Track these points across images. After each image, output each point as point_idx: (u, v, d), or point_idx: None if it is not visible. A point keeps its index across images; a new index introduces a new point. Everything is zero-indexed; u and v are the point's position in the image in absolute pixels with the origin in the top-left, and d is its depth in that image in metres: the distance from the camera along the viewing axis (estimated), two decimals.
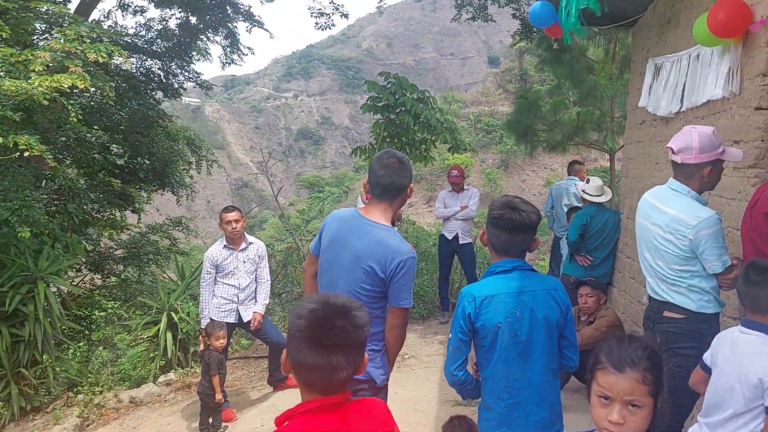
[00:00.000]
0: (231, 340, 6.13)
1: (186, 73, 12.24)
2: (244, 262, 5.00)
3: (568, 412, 4.28)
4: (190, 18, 12.03)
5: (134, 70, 11.36)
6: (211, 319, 4.83)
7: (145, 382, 6.06)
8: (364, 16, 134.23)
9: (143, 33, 12.07)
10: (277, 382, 5.43)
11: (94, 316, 8.25)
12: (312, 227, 12.29)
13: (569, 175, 7.56)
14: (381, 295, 2.65)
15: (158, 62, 11.92)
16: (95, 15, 11.38)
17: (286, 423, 1.53)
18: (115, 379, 6.74)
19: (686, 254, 2.75)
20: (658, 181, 3.09)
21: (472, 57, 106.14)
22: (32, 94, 5.67)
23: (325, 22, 13.19)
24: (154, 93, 11.57)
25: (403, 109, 8.01)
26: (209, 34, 12.33)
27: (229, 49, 12.79)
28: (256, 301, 5.11)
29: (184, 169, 11.71)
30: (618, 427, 1.45)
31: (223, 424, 4.78)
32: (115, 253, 10.53)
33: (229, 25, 12.45)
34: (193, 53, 12.13)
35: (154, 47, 11.88)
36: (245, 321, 5.02)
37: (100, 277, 10.08)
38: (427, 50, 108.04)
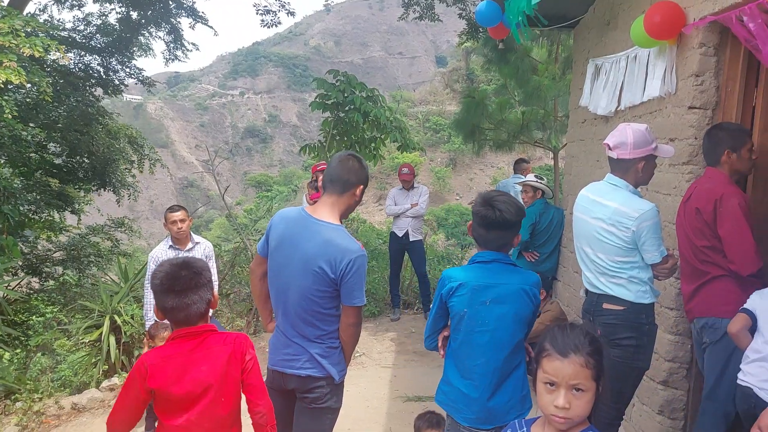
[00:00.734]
0: None
1: (127, 69, 11.90)
2: None
3: None
4: (131, 13, 11.69)
5: (72, 66, 10.95)
6: (156, 320, 4.71)
7: (87, 388, 5.86)
8: (311, 13, 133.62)
9: (82, 28, 11.65)
10: None
11: (31, 322, 7.92)
12: (260, 226, 12.13)
13: (515, 173, 7.73)
14: (334, 294, 2.64)
15: (98, 58, 11.54)
16: (30, 8, 10.95)
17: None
18: (56, 385, 6.49)
19: (628, 245, 2.85)
20: (599, 178, 3.19)
21: (420, 56, 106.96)
22: None
23: (271, 20, 13.06)
24: (93, 89, 11.20)
25: (352, 107, 8.00)
26: (151, 30, 12.01)
27: (172, 45, 12.51)
28: None
29: (126, 168, 11.39)
30: (564, 412, 1.50)
31: None
32: (54, 255, 10.14)
33: (172, 20, 12.16)
34: (135, 49, 11.79)
35: (93, 42, 11.49)
36: None
37: (37, 280, 9.69)
38: (375, 49, 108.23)
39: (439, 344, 2.59)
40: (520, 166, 7.69)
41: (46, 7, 12.26)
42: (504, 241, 2.45)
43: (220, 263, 9.09)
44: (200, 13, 12.36)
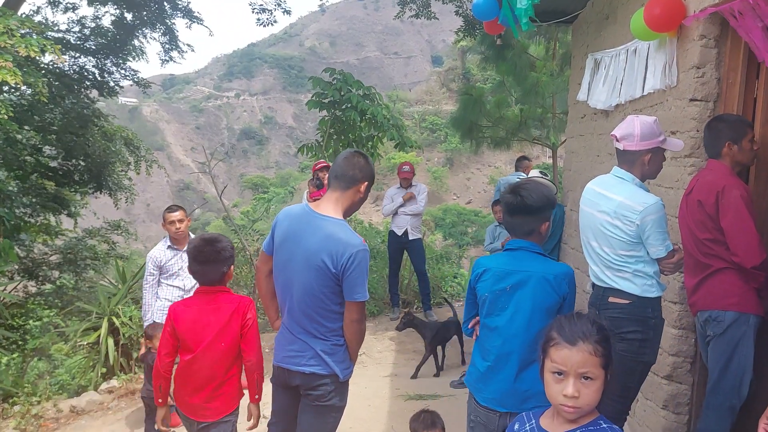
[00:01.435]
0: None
1: (122, 71, 11.86)
2: None
3: None
4: (126, 14, 11.65)
5: (67, 68, 10.90)
6: (153, 321, 4.68)
7: (86, 391, 5.82)
8: (306, 14, 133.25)
9: (76, 30, 11.60)
10: None
11: (28, 326, 7.88)
12: (257, 227, 12.10)
13: (516, 170, 7.71)
14: (337, 290, 2.62)
15: (92, 60, 11.49)
16: (24, 10, 10.88)
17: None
18: (54, 389, 6.45)
19: (632, 239, 2.83)
20: (599, 173, 3.17)
21: (416, 56, 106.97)
22: None
23: (267, 19, 13.03)
24: (88, 91, 11.15)
25: (348, 105, 7.98)
26: (146, 31, 11.97)
27: (167, 46, 12.46)
28: None
29: (122, 170, 11.35)
30: (573, 401, 1.49)
31: (171, 429, 4.63)
32: (50, 258, 10.10)
33: (167, 21, 12.12)
34: (130, 50, 11.75)
35: (87, 44, 11.44)
36: None
37: (34, 284, 9.64)
38: (371, 49, 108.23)
39: (471, 325, 2.67)
40: (521, 164, 7.67)
41: (39, 9, 12.23)
42: (529, 228, 2.49)
43: None
44: (195, 14, 12.33)
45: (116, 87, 11.79)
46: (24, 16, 9.43)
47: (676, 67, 3.41)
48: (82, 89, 10.94)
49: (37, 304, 8.49)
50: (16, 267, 9.23)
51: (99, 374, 6.01)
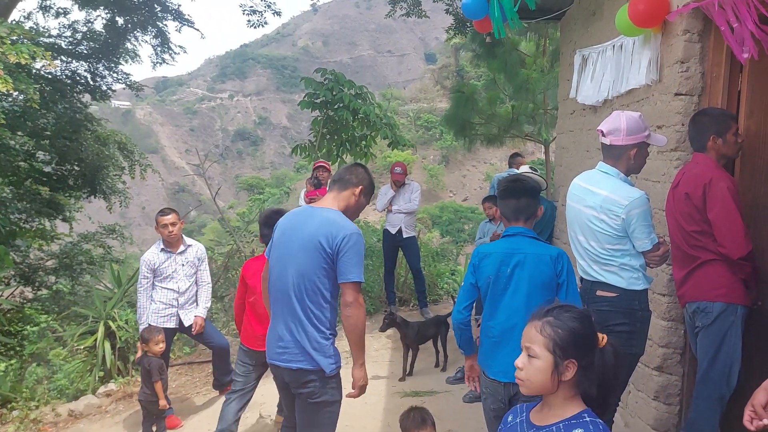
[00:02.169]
0: (173, 346, 5.99)
1: (114, 75, 11.85)
2: (183, 265, 4.88)
3: None
4: (117, 18, 11.63)
5: (59, 73, 10.89)
6: (149, 324, 4.70)
7: (84, 395, 5.84)
8: (298, 14, 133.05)
9: (68, 34, 11.58)
10: (222, 386, 5.33)
11: (26, 331, 7.89)
12: (253, 229, 12.11)
13: (510, 167, 7.73)
14: (331, 274, 2.72)
15: (84, 64, 11.48)
16: (15, 16, 10.87)
17: None
18: (52, 394, 6.47)
19: (618, 233, 2.87)
20: (589, 168, 3.20)
21: (409, 54, 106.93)
22: None
23: (258, 20, 13.03)
24: (81, 96, 11.14)
25: (341, 105, 8.00)
26: (138, 34, 11.96)
27: (159, 49, 12.46)
28: (197, 304, 5.01)
29: (116, 174, 11.34)
30: (518, 372, 1.64)
31: (168, 431, 4.66)
32: (46, 264, 10.10)
33: (159, 24, 12.11)
34: (122, 54, 11.74)
35: (79, 49, 11.42)
36: (186, 325, 4.91)
37: (30, 289, 9.64)
38: (364, 48, 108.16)
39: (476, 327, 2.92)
40: (514, 160, 7.68)
41: (30, 14, 12.19)
42: (530, 210, 2.77)
43: (214, 266, 9.07)
44: (186, 16, 12.32)
45: (108, 91, 11.78)
46: (14, 22, 9.43)
47: (660, 62, 3.45)
48: (75, 94, 10.93)
49: (34, 310, 8.50)
50: (12, 273, 9.24)
51: (96, 378, 6.03)
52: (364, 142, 8.57)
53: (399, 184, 7.13)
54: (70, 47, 11.34)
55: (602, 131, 2.96)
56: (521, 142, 12.26)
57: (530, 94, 9.76)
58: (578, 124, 5.20)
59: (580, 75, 4.85)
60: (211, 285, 5.20)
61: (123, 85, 12.51)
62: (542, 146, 11.58)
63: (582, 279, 3.14)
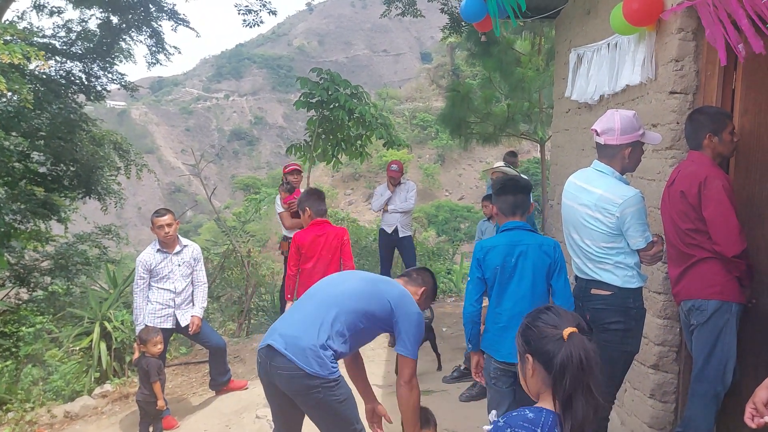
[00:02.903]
0: (169, 346, 5.98)
1: (109, 75, 11.80)
2: (179, 265, 4.87)
3: None
4: (111, 18, 11.59)
5: (53, 73, 10.84)
6: (145, 325, 4.68)
7: (80, 396, 5.82)
8: (294, 13, 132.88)
9: (62, 34, 11.53)
10: (219, 386, 5.33)
11: (21, 332, 7.86)
12: (249, 228, 12.10)
13: (506, 166, 7.74)
14: (379, 323, 2.91)
15: (79, 64, 11.43)
16: (8, 16, 10.82)
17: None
18: (48, 396, 6.44)
19: (613, 231, 2.87)
20: (584, 167, 3.20)
21: (405, 53, 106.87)
22: None
23: (253, 20, 12.99)
24: (75, 96, 11.10)
25: (336, 104, 7.98)
26: (132, 34, 11.92)
27: (154, 49, 12.41)
28: (193, 305, 5.00)
29: (111, 175, 11.30)
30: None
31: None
32: (41, 265, 10.05)
33: (153, 24, 12.07)
34: (116, 54, 11.69)
35: (73, 49, 11.37)
36: (183, 326, 4.90)
37: (26, 290, 9.60)
38: (360, 47, 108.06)
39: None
40: (509, 160, 7.70)
41: (24, 14, 12.13)
42: (525, 205, 3.10)
43: (210, 266, 9.06)
44: (181, 16, 12.28)
45: (103, 91, 11.73)
46: (7, 22, 9.38)
47: (655, 60, 3.46)
48: (69, 94, 10.88)
49: (30, 311, 8.47)
50: (7, 274, 9.20)
51: (92, 379, 6.01)
52: (359, 142, 8.56)
53: (395, 182, 7.12)
54: (64, 47, 11.29)
55: (596, 131, 2.96)
56: (517, 141, 12.28)
57: (526, 93, 9.79)
58: (573, 123, 5.21)
59: (575, 73, 4.85)
60: (207, 285, 5.20)
61: (118, 86, 12.45)
62: (538, 144, 11.60)
63: (576, 277, 3.14)
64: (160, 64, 12.97)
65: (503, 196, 3.10)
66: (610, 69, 4.05)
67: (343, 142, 8.47)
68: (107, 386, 5.79)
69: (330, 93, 7.98)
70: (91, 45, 11.41)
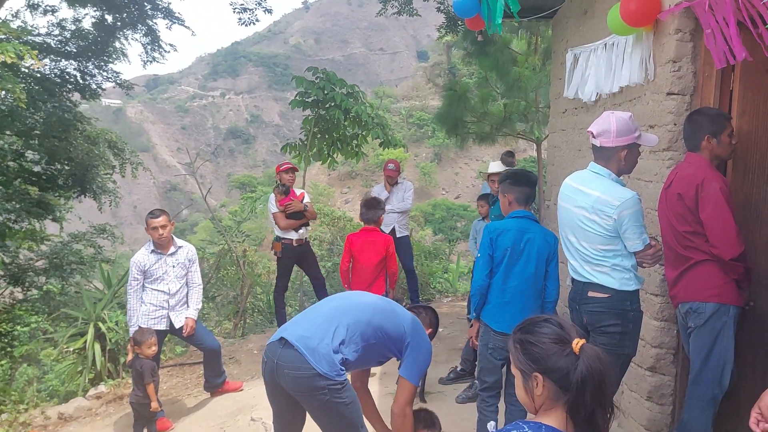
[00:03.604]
0: (164, 347, 5.95)
1: (104, 73, 11.72)
2: (174, 266, 4.84)
3: None
4: (106, 16, 11.52)
5: (48, 72, 10.78)
6: (139, 326, 4.65)
7: (74, 397, 5.78)
8: (290, 11, 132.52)
9: (56, 33, 11.45)
10: (214, 388, 5.30)
11: (16, 332, 7.82)
12: (245, 227, 12.07)
13: (504, 166, 7.71)
14: (390, 345, 2.94)
15: (73, 63, 11.34)
16: (2, 14, 10.75)
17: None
18: (43, 396, 6.41)
19: (610, 234, 2.86)
20: (581, 167, 3.19)
21: (401, 52, 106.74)
22: None
23: (249, 18, 12.92)
24: (70, 95, 11.02)
25: (332, 104, 7.94)
26: (127, 32, 11.85)
27: (149, 47, 12.33)
28: (187, 306, 4.96)
29: (107, 173, 11.25)
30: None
31: None
32: (36, 264, 10.00)
33: (148, 22, 12.00)
34: (111, 52, 11.62)
35: (68, 47, 11.29)
36: (177, 327, 4.87)
37: (20, 290, 9.55)
38: (356, 45, 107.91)
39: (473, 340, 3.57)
40: (506, 160, 7.67)
41: (18, 13, 12.04)
42: (532, 199, 3.49)
43: (205, 266, 9.02)
44: (176, 14, 12.21)
45: (98, 89, 11.65)
46: (1, 21, 9.31)
47: (653, 61, 3.44)
48: (64, 93, 10.81)
49: (24, 311, 8.43)
50: (2, 273, 9.16)
51: (86, 380, 5.98)
52: (355, 142, 8.53)
53: (392, 181, 7.10)
54: (58, 46, 11.21)
55: (592, 133, 2.95)
56: (513, 140, 12.28)
57: (522, 92, 9.77)
58: (570, 123, 5.19)
59: (572, 73, 4.83)
60: (202, 286, 5.16)
61: (113, 84, 12.38)
62: (534, 144, 11.58)
63: (573, 280, 3.13)
64: (156, 62, 12.89)
65: (521, 187, 3.42)
66: (607, 70, 4.03)
67: (339, 141, 8.44)
68: (101, 387, 5.76)
69: (326, 92, 7.94)
70: (86, 43, 11.33)
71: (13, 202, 9.25)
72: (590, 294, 2.96)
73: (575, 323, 3.06)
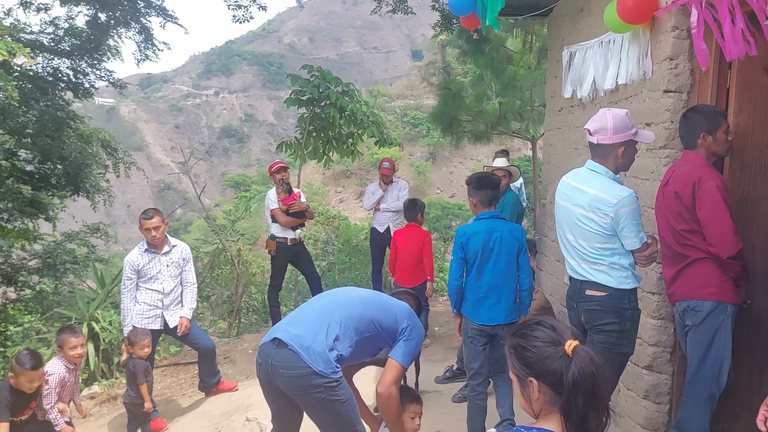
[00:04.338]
0: (158, 347, 5.91)
1: (97, 72, 11.64)
2: (168, 265, 4.80)
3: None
4: (99, 14, 11.44)
5: (40, 70, 10.69)
6: (133, 326, 4.61)
7: None
8: (284, 10, 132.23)
9: (49, 31, 11.37)
10: (208, 388, 5.27)
11: (9, 332, 7.75)
12: (239, 226, 12.02)
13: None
14: (383, 334, 2.94)
15: (66, 61, 11.26)
16: None
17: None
18: None
19: (607, 232, 2.84)
20: (577, 166, 3.18)
21: (396, 50, 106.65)
22: None
23: (243, 15, 12.85)
24: (63, 93, 10.94)
25: (327, 102, 7.91)
26: (121, 30, 11.77)
27: (143, 45, 12.26)
28: (182, 305, 4.93)
29: (100, 173, 11.17)
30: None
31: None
32: (29, 264, 9.92)
33: (142, 20, 11.93)
34: (104, 51, 11.54)
35: (61, 45, 11.21)
36: (171, 327, 4.83)
37: (13, 290, 9.47)
38: (350, 44, 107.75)
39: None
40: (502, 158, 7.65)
41: (11, 10, 11.95)
42: (496, 200, 3.78)
43: (200, 265, 8.98)
44: (170, 12, 12.14)
45: (91, 88, 11.57)
46: None
47: (650, 58, 3.43)
48: (57, 91, 10.72)
49: (17, 310, 8.35)
50: None
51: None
52: (350, 140, 8.50)
53: (387, 180, 7.07)
54: (51, 44, 11.12)
55: (589, 130, 2.93)
56: (508, 139, 12.25)
57: (517, 91, 9.75)
58: (566, 121, 5.18)
59: (568, 71, 4.82)
60: (196, 285, 5.13)
61: (106, 83, 12.29)
62: (529, 143, 11.57)
63: (571, 278, 3.11)
64: (149, 60, 12.80)
65: (484, 190, 3.70)
66: (604, 67, 4.02)
67: (334, 140, 8.41)
68: (95, 387, 5.72)
69: (321, 90, 7.90)
70: (79, 42, 11.24)
71: (6, 202, 9.17)
72: (588, 292, 2.95)
73: (573, 321, 3.06)
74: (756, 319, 3.03)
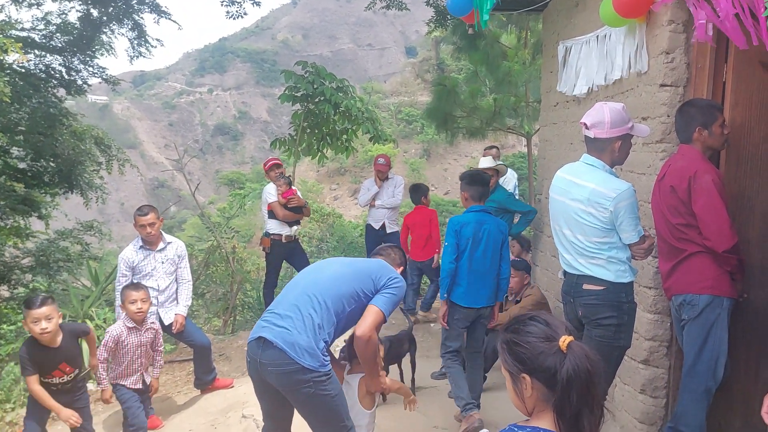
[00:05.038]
0: None
1: (90, 69, 11.56)
2: (163, 262, 4.77)
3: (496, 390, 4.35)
4: (92, 10, 11.36)
5: (32, 67, 10.62)
6: None
7: None
8: (278, 7, 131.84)
9: (41, 27, 11.28)
10: (204, 385, 5.24)
11: (2, 330, 7.70)
12: (234, 224, 11.99)
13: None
14: (365, 297, 2.89)
15: (59, 58, 11.18)
16: None
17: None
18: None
19: (606, 226, 2.84)
20: (573, 161, 3.17)
21: (390, 47, 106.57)
22: None
23: (237, 11, 12.77)
24: (55, 90, 10.87)
25: (322, 98, 7.88)
26: (113, 27, 11.69)
27: (136, 42, 12.18)
28: (177, 302, 4.90)
29: (94, 170, 11.11)
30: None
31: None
32: (22, 262, 9.86)
33: (135, 16, 11.85)
34: (97, 47, 11.46)
35: (53, 42, 11.12)
36: (166, 324, 4.81)
37: (6, 288, 9.42)
38: (344, 41, 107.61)
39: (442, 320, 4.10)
40: (493, 153, 7.65)
41: (3, 6, 11.85)
42: (485, 196, 4.15)
43: (194, 263, 8.95)
44: (163, 8, 12.06)
45: (84, 85, 11.49)
46: None
47: (646, 52, 3.42)
48: (49, 88, 10.65)
49: (11, 309, 8.30)
50: None
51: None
52: (345, 136, 8.47)
53: (382, 176, 7.06)
54: (43, 40, 11.03)
55: (586, 124, 2.93)
56: (503, 135, 12.26)
57: (512, 87, 9.76)
58: (562, 116, 5.18)
59: (564, 66, 4.82)
60: (191, 282, 5.10)
61: (99, 80, 12.21)
62: (524, 139, 11.59)
63: (566, 273, 3.11)
64: (143, 57, 12.70)
65: (475, 186, 4.07)
66: (600, 62, 4.02)
67: (329, 136, 8.38)
68: (90, 386, 5.68)
69: (315, 86, 7.87)
70: (71, 38, 11.16)
71: None
72: (585, 287, 2.94)
73: (569, 317, 3.06)
74: (752, 313, 3.03)
